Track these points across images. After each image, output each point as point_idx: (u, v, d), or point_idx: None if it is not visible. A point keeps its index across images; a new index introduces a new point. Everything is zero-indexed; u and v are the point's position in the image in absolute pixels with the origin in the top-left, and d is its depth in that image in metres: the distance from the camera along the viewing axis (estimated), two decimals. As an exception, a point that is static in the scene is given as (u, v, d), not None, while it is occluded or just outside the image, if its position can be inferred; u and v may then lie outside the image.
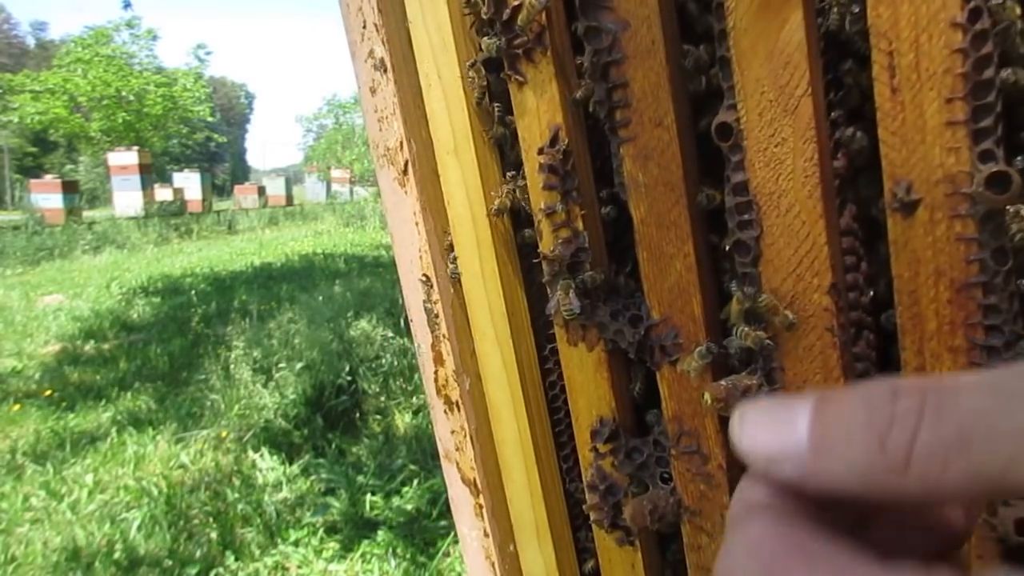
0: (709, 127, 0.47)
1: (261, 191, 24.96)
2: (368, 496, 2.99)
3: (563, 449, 0.62)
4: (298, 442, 3.58)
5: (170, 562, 2.60)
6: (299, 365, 4.20)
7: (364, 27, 0.60)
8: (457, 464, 0.68)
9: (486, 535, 0.66)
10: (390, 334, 4.88)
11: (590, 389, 0.55)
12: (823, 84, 0.43)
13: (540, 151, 0.52)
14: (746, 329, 0.46)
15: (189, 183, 20.96)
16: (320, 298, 6.57)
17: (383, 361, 4.35)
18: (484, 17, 0.52)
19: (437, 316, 0.64)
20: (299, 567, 2.58)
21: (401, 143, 0.61)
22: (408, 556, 2.57)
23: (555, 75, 0.50)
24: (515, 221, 0.58)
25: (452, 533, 2.67)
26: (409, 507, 2.91)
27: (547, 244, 0.54)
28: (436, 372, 0.67)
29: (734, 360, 0.49)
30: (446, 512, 2.85)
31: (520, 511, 0.62)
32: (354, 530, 2.77)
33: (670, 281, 0.49)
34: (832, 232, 0.43)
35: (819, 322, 0.44)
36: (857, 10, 0.42)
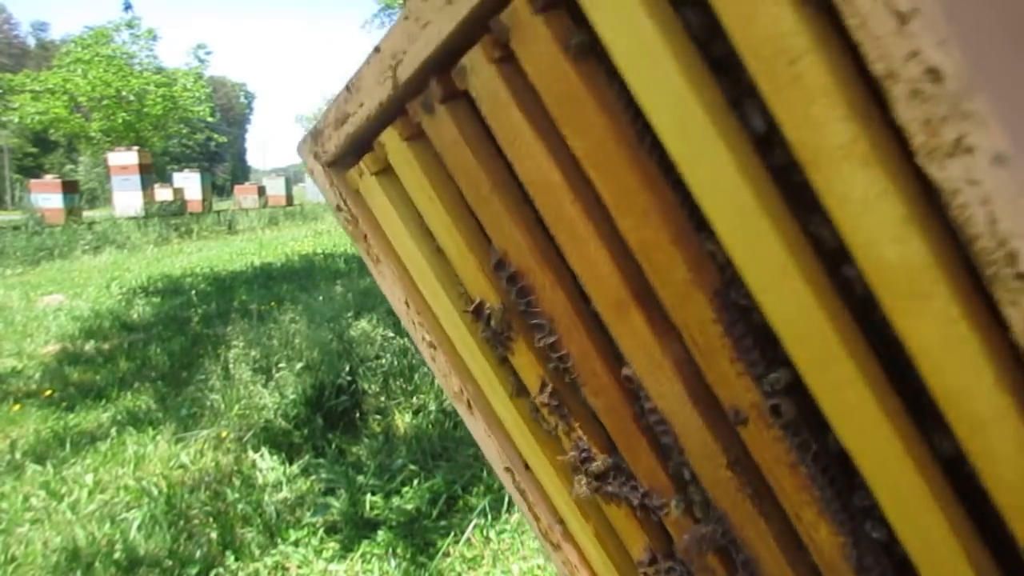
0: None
1: (261, 191, 24.96)
2: (368, 496, 2.99)
3: None
4: (298, 442, 3.58)
5: (170, 562, 2.60)
6: (299, 365, 4.20)
7: None
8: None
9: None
10: (390, 334, 4.88)
11: (627, 531, 0.66)
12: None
13: None
14: None
15: (189, 183, 20.96)
16: (320, 298, 6.57)
17: (383, 361, 4.35)
18: None
19: None
20: (299, 567, 2.58)
21: None
22: (408, 556, 2.57)
23: None
24: None
25: (452, 533, 2.67)
26: (409, 507, 2.91)
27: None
28: None
29: None
30: (446, 512, 2.85)
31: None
32: (354, 530, 2.77)
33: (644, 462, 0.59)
34: None
35: None
36: None
